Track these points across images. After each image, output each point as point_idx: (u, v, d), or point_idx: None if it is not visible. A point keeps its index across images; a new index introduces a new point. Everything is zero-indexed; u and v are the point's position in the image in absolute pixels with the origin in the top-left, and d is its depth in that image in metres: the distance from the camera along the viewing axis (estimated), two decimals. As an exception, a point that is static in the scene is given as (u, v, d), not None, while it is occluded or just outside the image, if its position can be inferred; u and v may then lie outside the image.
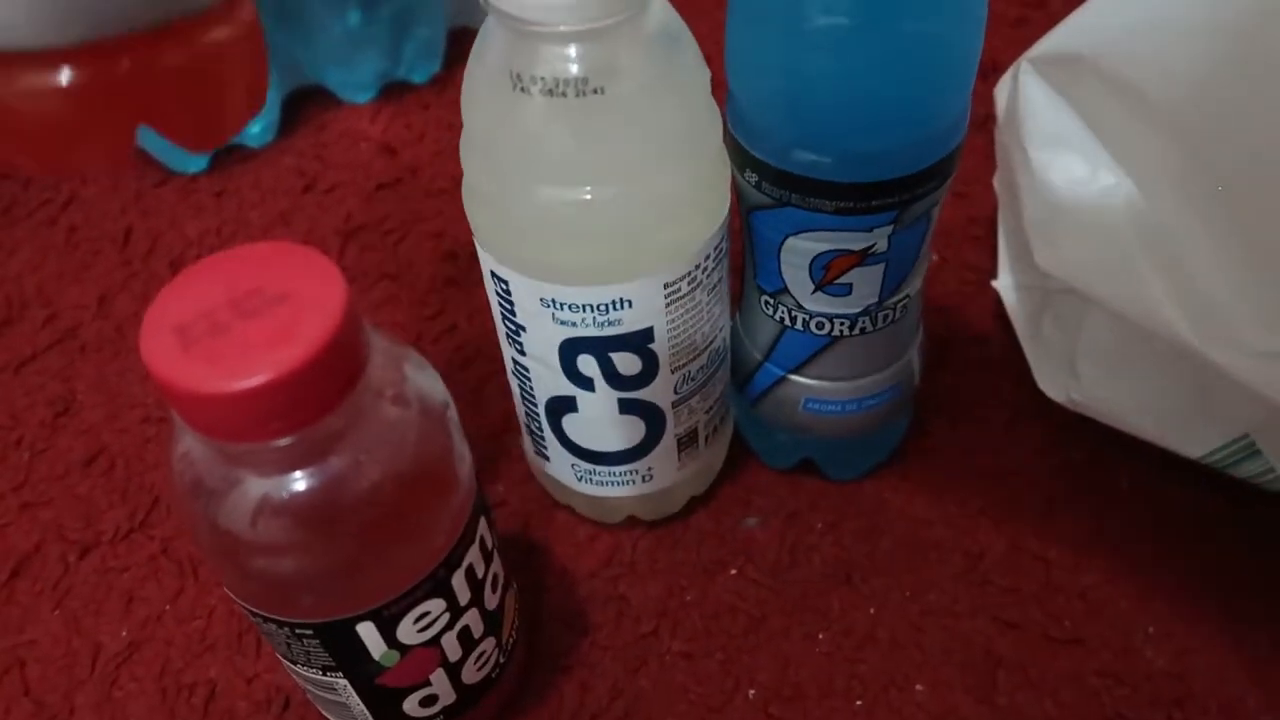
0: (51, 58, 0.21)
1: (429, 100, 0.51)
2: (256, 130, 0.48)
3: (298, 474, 0.20)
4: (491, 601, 0.26)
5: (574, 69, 0.22)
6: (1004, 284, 0.36)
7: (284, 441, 0.19)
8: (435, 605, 0.23)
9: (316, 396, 0.19)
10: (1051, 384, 0.33)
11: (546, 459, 0.32)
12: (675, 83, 0.24)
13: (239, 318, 0.18)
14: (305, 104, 0.51)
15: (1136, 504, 0.33)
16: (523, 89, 0.23)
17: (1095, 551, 0.32)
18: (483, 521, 0.25)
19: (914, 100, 0.24)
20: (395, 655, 0.23)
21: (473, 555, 0.24)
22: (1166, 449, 0.30)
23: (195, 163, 0.47)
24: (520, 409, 0.31)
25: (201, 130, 0.25)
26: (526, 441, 0.33)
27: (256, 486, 0.20)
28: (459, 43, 0.53)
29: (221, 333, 0.18)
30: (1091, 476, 0.34)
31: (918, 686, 0.29)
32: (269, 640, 0.24)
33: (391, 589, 0.22)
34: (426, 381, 0.22)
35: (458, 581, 0.24)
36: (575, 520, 0.34)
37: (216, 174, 0.47)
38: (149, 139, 0.23)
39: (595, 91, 0.22)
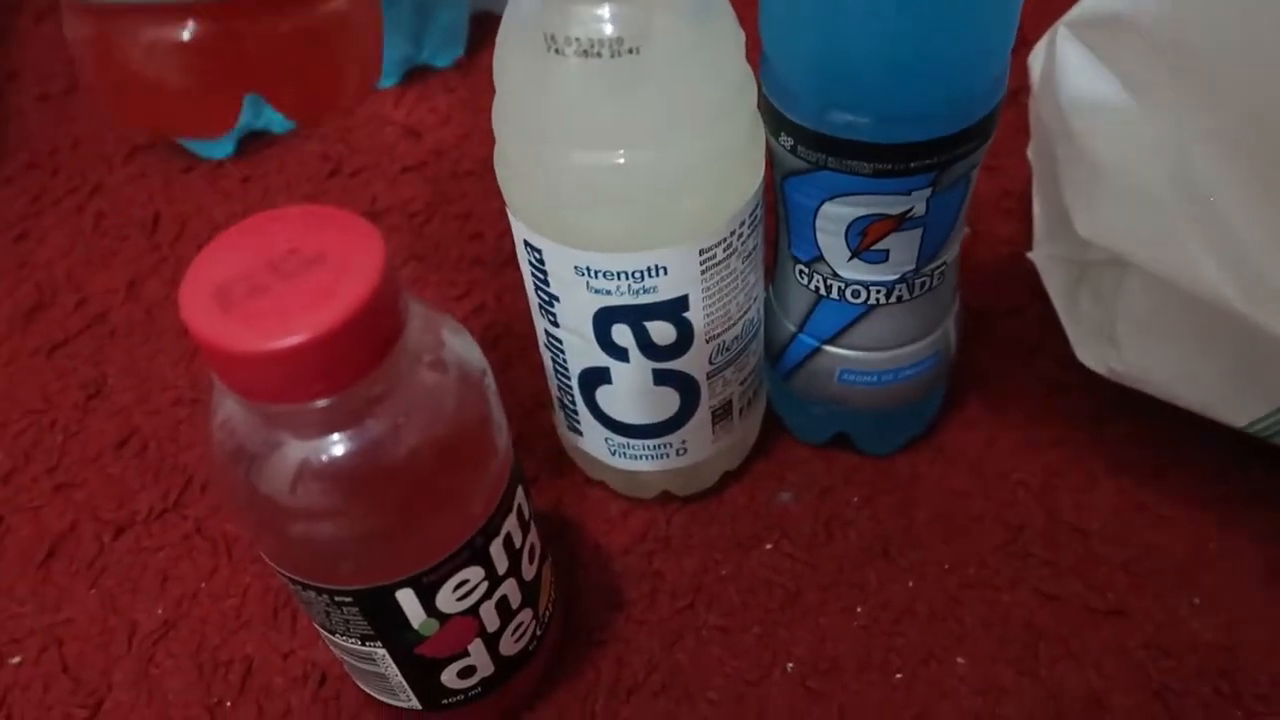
0: (173, 11, 0.21)
1: (453, 84, 0.51)
2: (281, 116, 0.48)
3: (337, 436, 0.20)
4: (529, 572, 0.25)
5: (609, 29, 0.22)
6: (1040, 255, 0.35)
7: (323, 403, 0.19)
8: (474, 573, 0.23)
9: (356, 356, 0.19)
10: (1090, 355, 0.32)
11: (579, 434, 0.31)
12: (711, 44, 0.24)
13: (278, 279, 0.18)
14: (329, 90, 0.51)
15: (1178, 475, 0.32)
16: (557, 50, 0.22)
17: (1136, 523, 0.31)
18: (520, 491, 0.25)
19: (954, 58, 0.24)
20: (434, 624, 0.23)
21: (510, 524, 0.24)
22: (1209, 418, 0.29)
23: (221, 149, 0.48)
24: (552, 382, 0.31)
25: (315, 100, 0.24)
26: (558, 417, 0.33)
27: (296, 450, 0.20)
28: (482, 27, 0.53)
29: (261, 293, 0.18)
30: (1131, 448, 0.33)
31: (958, 659, 0.29)
32: (308, 609, 0.24)
33: (430, 556, 0.22)
34: (464, 348, 0.22)
35: (496, 550, 0.24)
36: (608, 496, 0.34)
37: (242, 160, 0.48)
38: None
39: (631, 51, 0.22)
